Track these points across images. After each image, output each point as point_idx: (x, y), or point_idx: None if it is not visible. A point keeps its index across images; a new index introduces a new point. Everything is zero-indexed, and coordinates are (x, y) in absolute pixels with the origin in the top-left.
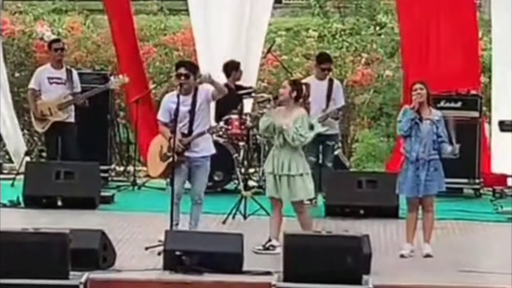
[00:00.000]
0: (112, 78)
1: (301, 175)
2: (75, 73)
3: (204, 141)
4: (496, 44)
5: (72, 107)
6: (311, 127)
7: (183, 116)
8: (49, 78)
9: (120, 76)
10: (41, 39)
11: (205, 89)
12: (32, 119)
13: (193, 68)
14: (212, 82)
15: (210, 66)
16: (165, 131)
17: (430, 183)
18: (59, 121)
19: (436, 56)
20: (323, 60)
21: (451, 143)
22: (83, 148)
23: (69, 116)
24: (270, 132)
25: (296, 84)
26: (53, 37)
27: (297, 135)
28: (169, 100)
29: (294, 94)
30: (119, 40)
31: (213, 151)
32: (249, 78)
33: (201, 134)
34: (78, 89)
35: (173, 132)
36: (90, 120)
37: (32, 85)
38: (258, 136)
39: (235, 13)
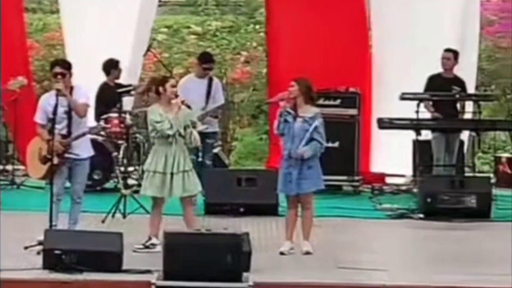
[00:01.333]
0: (11, 79)
1: (192, 169)
2: None
3: (84, 142)
4: (375, 42)
5: None
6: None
7: (61, 117)
8: None
9: (19, 77)
10: None
11: (81, 90)
12: None
13: (68, 66)
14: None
15: (79, 64)
16: (43, 133)
17: (302, 181)
18: None
19: (314, 54)
20: (205, 60)
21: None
22: None
23: None
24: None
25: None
26: None
27: (194, 137)
28: (46, 101)
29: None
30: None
31: (92, 152)
32: (132, 76)
33: (81, 135)
34: None
35: (52, 133)
36: None
37: None
38: (137, 135)
39: (116, 12)
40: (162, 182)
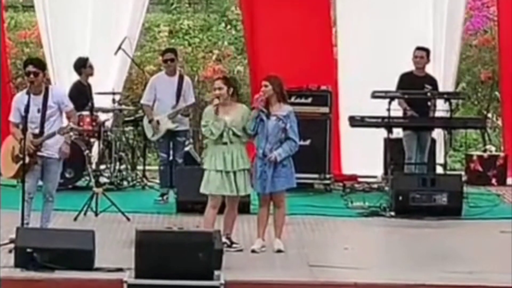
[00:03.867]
0: None
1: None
2: None
3: (57, 142)
4: (341, 41)
5: None
6: None
7: (34, 116)
8: None
9: None
10: None
11: (59, 91)
12: None
13: (41, 65)
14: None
15: (58, 63)
16: (16, 132)
17: (277, 179)
18: None
19: (288, 52)
20: (164, 52)
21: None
22: None
23: None
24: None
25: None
26: None
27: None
28: (19, 100)
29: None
30: None
31: None
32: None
33: (52, 135)
34: None
35: (24, 132)
36: None
37: None
38: (109, 133)
39: (96, 11)
40: (222, 180)
